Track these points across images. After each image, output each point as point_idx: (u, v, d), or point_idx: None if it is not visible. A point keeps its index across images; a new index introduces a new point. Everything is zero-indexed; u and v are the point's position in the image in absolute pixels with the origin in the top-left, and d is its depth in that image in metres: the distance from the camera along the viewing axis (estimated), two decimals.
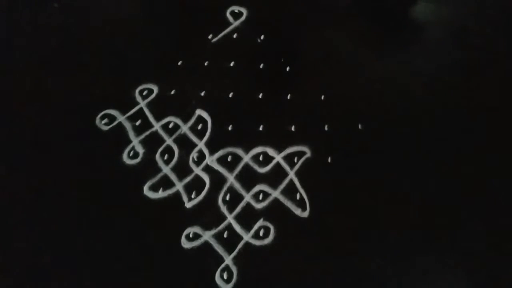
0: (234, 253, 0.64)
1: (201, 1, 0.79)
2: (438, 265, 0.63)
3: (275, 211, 0.67)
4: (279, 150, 0.72)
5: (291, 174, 0.70)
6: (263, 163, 0.71)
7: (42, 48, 0.84)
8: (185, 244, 0.65)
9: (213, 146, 0.73)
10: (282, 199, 0.68)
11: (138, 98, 0.78)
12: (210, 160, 0.72)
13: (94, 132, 0.74)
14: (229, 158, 0.72)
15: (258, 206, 0.68)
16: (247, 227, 0.66)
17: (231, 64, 0.82)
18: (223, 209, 0.67)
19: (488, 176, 0.70)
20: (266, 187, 0.69)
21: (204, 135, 0.74)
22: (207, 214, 0.67)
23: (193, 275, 0.63)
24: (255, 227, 0.66)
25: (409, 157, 0.71)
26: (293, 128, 0.74)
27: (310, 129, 0.74)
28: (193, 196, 0.69)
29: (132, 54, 0.83)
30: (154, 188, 0.69)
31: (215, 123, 0.75)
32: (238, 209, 0.67)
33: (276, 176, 0.70)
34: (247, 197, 0.68)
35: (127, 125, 0.75)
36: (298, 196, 0.68)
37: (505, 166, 0.71)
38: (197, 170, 0.71)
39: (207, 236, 0.65)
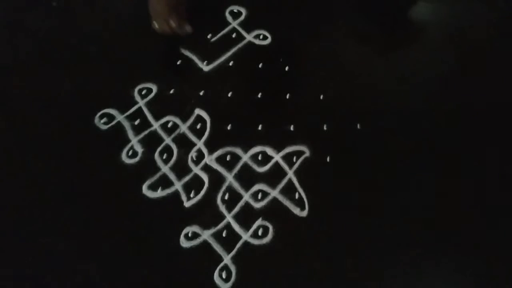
0: (233, 252, 0.64)
1: (200, 1, 0.80)
2: (439, 265, 0.63)
3: (274, 211, 0.67)
4: (278, 149, 0.72)
5: (290, 174, 0.70)
6: (262, 163, 0.71)
7: (40, 47, 0.84)
8: (184, 243, 0.65)
9: (212, 146, 0.73)
10: (281, 198, 0.68)
11: (137, 97, 0.78)
12: (209, 159, 0.72)
13: (92, 131, 0.74)
14: (228, 158, 0.72)
15: (257, 205, 0.68)
16: (246, 226, 0.66)
17: (230, 64, 0.82)
18: (222, 208, 0.67)
19: (488, 176, 0.70)
20: (265, 186, 0.69)
21: (203, 134, 0.74)
22: (206, 214, 0.67)
23: (191, 274, 0.63)
24: (254, 226, 0.66)
25: (408, 157, 0.71)
26: (292, 128, 0.74)
27: (309, 129, 0.74)
28: (192, 195, 0.69)
29: (131, 53, 0.83)
30: (153, 187, 0.69)
31: (214, 122, 0.75)
32: (237, 208, 0.67)
33: (275, 175, 0.70)
34: (246, 197, 0.68)
35: (126, 124, 0.75)
36: (297, 196, 0.68)
37: (505, 166, 0.71)
38: (196, 170, 0.71)
39: (206, 235, 0.65)
